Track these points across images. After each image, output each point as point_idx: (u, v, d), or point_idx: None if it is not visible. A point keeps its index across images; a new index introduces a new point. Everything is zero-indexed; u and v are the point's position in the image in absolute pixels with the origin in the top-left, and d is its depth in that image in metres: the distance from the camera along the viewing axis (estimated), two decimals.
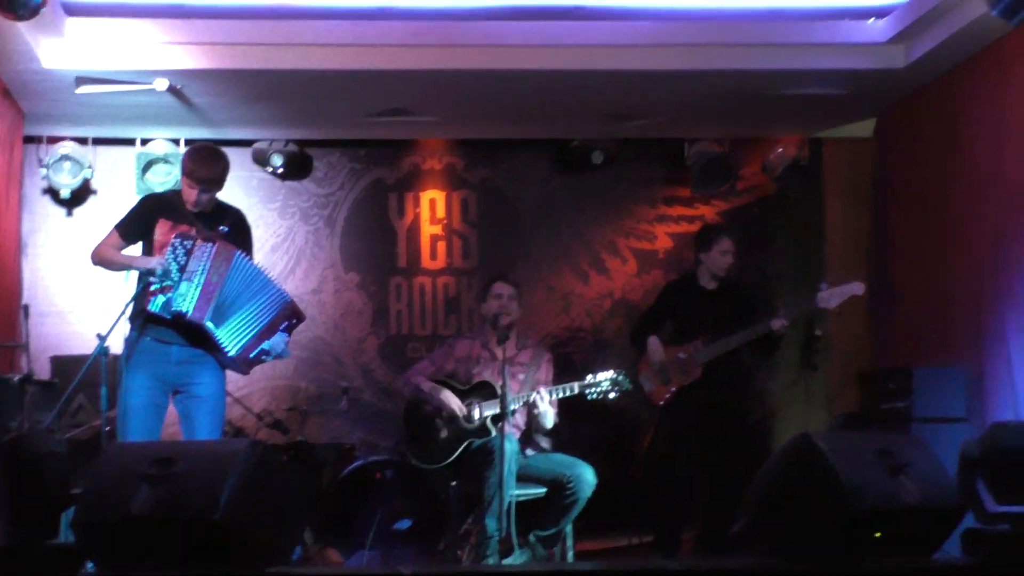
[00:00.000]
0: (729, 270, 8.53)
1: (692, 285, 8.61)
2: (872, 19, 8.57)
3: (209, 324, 6.71)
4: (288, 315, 7.03)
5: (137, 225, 6.98)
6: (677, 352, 8.38)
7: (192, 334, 6.81)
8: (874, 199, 10.09)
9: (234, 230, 7.04)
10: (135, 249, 7.02)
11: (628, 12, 8.48)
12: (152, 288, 6.67)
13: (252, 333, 6.87)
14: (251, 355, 6.92)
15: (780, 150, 10.42)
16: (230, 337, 6.79)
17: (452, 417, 8.05)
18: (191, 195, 6.92)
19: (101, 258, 6.98)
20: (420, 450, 8.17)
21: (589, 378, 7.95)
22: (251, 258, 7.00)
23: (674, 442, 8.44)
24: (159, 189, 9.52)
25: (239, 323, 6.82)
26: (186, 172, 6.94)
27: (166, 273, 6.65)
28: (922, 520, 5.14)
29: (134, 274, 6.87)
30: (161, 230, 6.83)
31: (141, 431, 6.69)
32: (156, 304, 6.68)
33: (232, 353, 6.82)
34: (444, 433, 8.09)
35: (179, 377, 6.85)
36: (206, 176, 6.91)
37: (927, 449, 5.45)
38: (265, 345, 6.93)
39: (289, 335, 7.06)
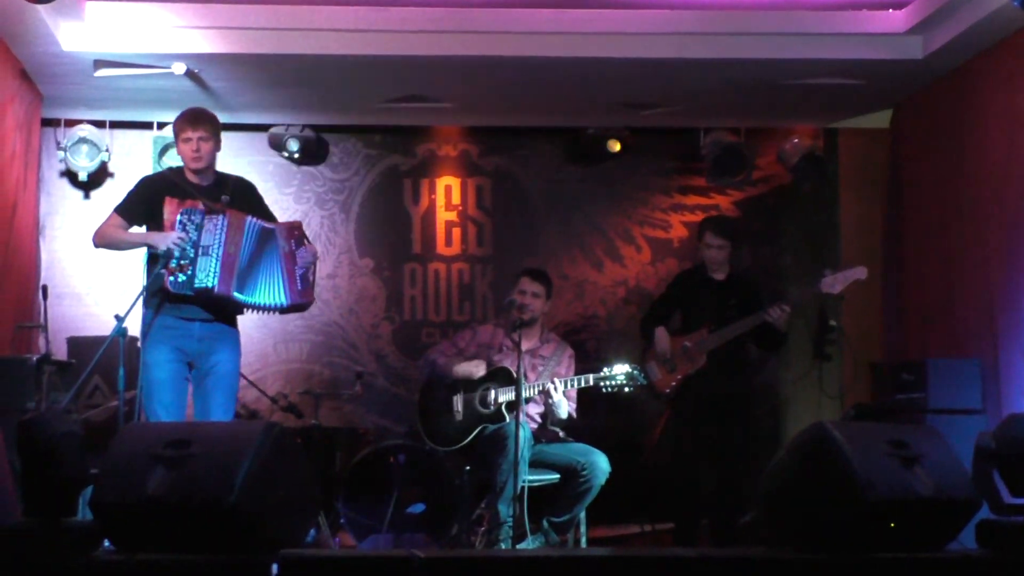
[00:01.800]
0: (719, 262, 8.50)
1: (701, 275, 8.62)
2: (890, 9, 8.56)
3: (237, 295, 6.76)
4: (291, 235, 7.02)
5: (140, 207, 6.97)
6: (683, 341, 8.38)
7: (217, 308, 6.86)
8: (889, 190, 10.07)
9: (238, 196, 7.04)
10: (139, 231, 7.03)
11: (645, 0, 8.48)
12: (171, 267, 6.68)
13: (283, 277, 6.91)
14: (299, 288, 6.96)
15: (795, 140, 10.42)
16: (268, 296, 6.86)
17: (467, 388, 8.13)
18: (189, 150, 6.94)
19: (106, 239, 6.97)
20: (434, 432, 8.20)
21: (605, 371, 7.95)
22: (262, 220, 6.99)
23: (682, 431, 8.45)
24: None
25: (267, 282, 6.87)
26: (178, 131, 6.98)
27: (182, 252, 6.66)
28: (936, 511, 5.15)
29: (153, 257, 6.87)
30: (169, 208, 6.84)
31: (171, 404, 6.75)
32: (177, 283, 6.70)
33: (287, 303, 6.91)
34: (459, 417, 8.12)
35: (200, 352, 6.88)
36: (197, 118, 6.99)
37: (942, 440, 5.45)
38: (299, 271, 6.96)
39: (307, 242, 7.07)
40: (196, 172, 7.00)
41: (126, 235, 6.96)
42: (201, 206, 6.81)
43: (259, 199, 7.26)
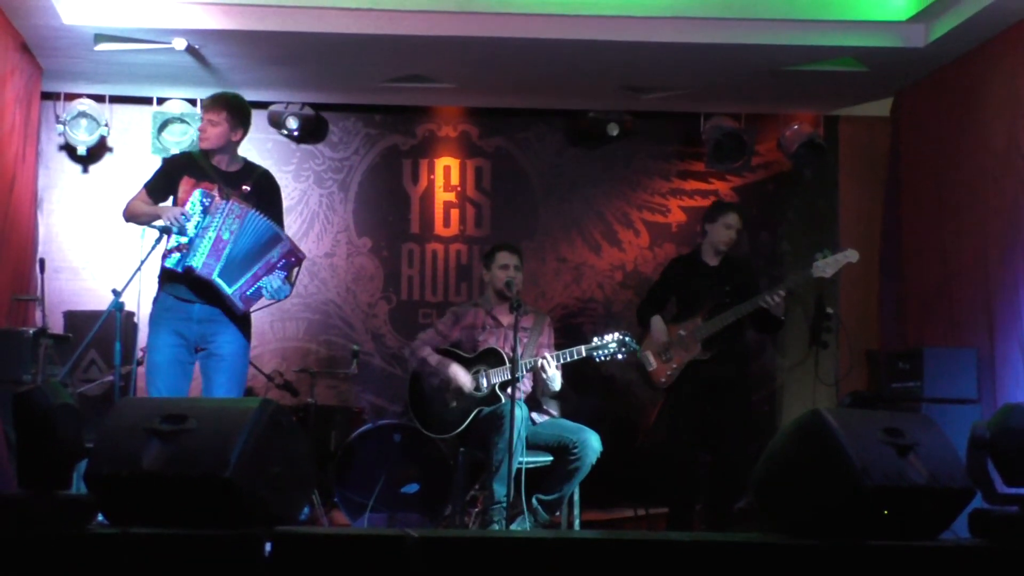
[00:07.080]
0: (730, 245, 8.46)
1: (695, 261, 8.57)
2: None
3: (218, 279, 6.72)
4: (285, 254, 6.95)
5: (162, 183, 7.01)
6: (678, 330, 8.34)
7: (205, 291, 6.82)
8: (889, 178, 10.06)
9: (258, 189, 7.02)
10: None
11: None
12: (169, 243, 6.71)
13: (251, 275, 6.85)
14: (248, 292, 6.88)
15: (796, 127, 10.42)
16: (229, 282, 6.81)
17: (460, 390, 8.03)
18: (200, 129, 7.04)
19: (131, 213, 7.00)
20: (429, 421, 8.08)
21: (596, 340, 7.87)
22: (270, 216, 6.93)
23: (678, 416, 8.42)
24: (175, 148, 9.61)
25: (242, 275, 6.82)
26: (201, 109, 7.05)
27: (181, 229, 6.68)
28: (930, 500, 5.14)
29: (151, 233, 6.88)
30: (184, 187, 6.86)
31: (167, 388, 6.75)
32: (172, 259, 6.72)
33: (229, 292, 6.81)
34: (453, 404, 8.02)
35: (201, 335, 6.87)
36: (212, 101, 7.01)
37: (937, 429, 5.44)
38: (262, 283, 6.89)
39: (287, 273, 6.98)
40: (215, 154, 7.01)
41: (145, 208, 6.95)
42: (215, 190, 6.82)
43: (277, 199, 7.22)
